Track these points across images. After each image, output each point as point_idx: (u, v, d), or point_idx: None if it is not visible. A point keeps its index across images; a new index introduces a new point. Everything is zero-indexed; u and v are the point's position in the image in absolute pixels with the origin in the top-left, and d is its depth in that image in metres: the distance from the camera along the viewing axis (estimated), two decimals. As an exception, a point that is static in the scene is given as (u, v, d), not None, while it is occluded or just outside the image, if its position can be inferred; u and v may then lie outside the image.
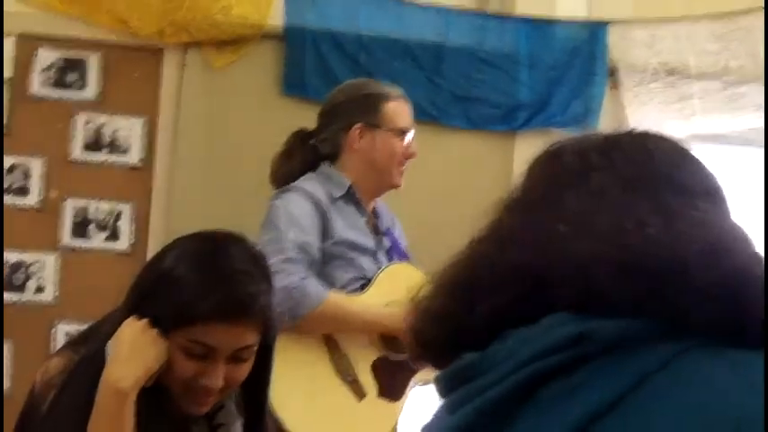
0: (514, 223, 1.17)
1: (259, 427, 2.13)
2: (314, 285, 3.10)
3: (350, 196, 3.33)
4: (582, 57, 4.28)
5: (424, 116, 3.98)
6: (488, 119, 4.29)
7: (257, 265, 2.01)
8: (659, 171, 1.14)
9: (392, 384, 3.24)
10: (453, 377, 1.12)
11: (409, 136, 3.36)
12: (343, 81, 3.69)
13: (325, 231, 3.23)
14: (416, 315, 1.23)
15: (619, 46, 4.32)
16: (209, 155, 4.10)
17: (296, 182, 3.30)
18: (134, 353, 1.90)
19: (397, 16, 4.21)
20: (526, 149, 3.46)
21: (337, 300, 3.15)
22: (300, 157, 3.38)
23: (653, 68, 4.24)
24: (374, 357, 3.23)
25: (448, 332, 1.17)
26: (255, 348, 2.00)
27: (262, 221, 3.24)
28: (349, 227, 3.29)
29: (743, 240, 1.09)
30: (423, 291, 1.24)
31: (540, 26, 4.30)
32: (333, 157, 3.37)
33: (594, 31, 4.32)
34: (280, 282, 2.92)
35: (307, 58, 4.14)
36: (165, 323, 1.94)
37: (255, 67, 4.17)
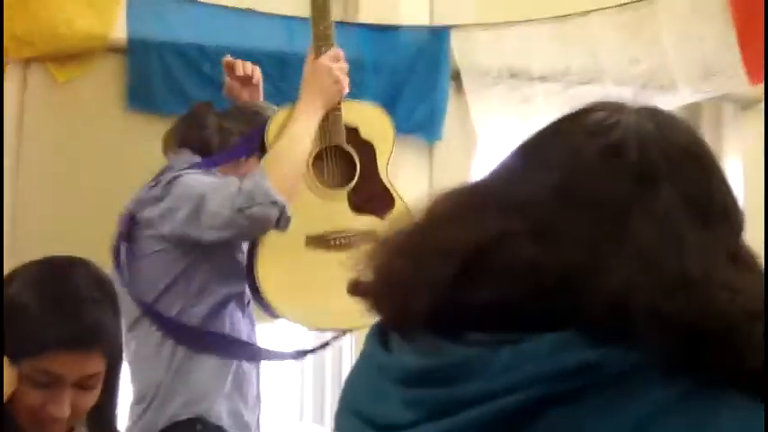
0: (569, 218, 1.03)
1: None
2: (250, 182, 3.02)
3: None
4: (425, 61, 4.30)
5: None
6: (335, 125, 4.27)
7: (102, 291, 1.98)
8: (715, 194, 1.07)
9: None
10: (427, 373, 1.01)
11: None
12: (190, 92, 3.64)
13: None
14: (387, 265, 1.10)
15: (462, 49, 4.35)
16: (54, 172, 4.01)
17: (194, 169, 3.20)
18: None
19: (241, 25, 4.17)
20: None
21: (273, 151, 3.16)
22: (212, 132, 3.32)
23: (496, 71, 4.29)
24: None
25: (436, 302, 1.03)
26: (102, 376, 1.97)
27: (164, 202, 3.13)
28: None
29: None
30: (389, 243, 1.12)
31: (384, 31, 4.30)
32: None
33: (437, 35, 4.35)
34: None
35: (152, 70, 4.06)
36: (10, 353, 1.89)
37: (101, 81, 4.08)
